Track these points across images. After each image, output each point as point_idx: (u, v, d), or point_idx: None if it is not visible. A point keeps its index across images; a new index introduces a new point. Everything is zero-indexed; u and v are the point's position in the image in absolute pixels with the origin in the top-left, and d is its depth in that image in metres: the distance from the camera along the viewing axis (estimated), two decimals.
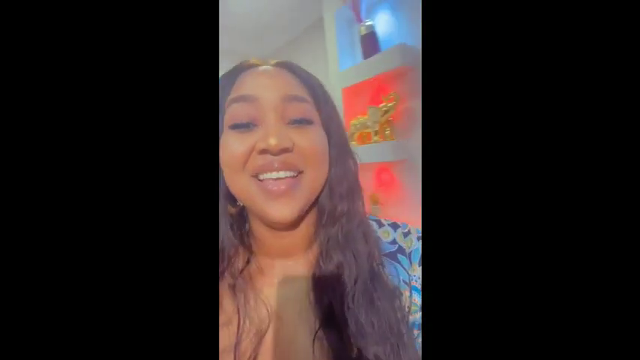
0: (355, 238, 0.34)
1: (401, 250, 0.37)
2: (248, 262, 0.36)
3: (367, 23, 1.21)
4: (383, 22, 1.27)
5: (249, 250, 0.36)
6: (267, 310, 0.34)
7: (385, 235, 0.38)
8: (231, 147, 0.31)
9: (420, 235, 0.38)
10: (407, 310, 0.33)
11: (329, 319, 0.32)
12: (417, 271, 0.35)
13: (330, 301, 0.32)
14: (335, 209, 0.35)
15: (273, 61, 0.36)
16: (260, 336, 0.33)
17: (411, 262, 0.36)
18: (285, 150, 0.31)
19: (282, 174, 0.31)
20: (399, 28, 1.26)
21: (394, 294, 0.33)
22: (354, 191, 0.36)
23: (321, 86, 0.36)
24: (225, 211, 0.34)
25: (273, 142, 0.30)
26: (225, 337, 0.32)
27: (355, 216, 0.35)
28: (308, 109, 0.33)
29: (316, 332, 0.31)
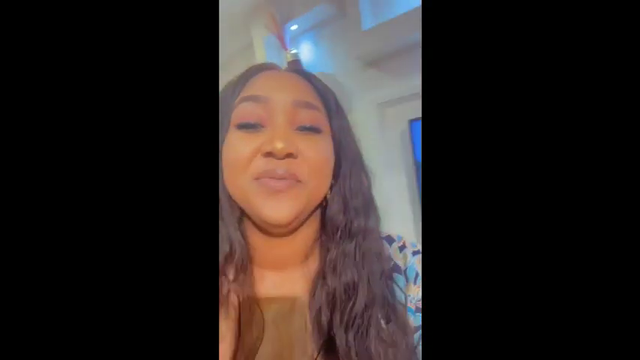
0: (371, 258, 0.32)
1: (397, 267, 0.34)
2: (240, 271, 0.32)
3: (292, 52, 1.39)
4: (307, 51, 1.48)
5: (242, 258, 0.32)
6: (260, 325, 0.31)
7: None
8: (236, 147, 0.30)
9: (415, 249, 0.36)
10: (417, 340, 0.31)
11: (329, 344, 0.30)
12: (412, 291, 0.33)
13: (332, 323, 0.30)
14: (351, 224, 0.33)
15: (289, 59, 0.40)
16: (253, 354, 0.30)
17: (407, 281, 0.34)
18: (290, 155, 0.29)
19: (283, 180, 0.30)
20: (320, 57, 1.48)
21: (406, 323, 0.31)
22: (369, 206, 0.34)
23: (334, 97, 0.35)
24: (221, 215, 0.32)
25: (279, 145, 0.29)
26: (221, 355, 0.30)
27: (372, 233, 0.33)
28: (318, 118, 0.32)
29: (315, 358, 0.30)
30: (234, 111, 0.31)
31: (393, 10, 1.30)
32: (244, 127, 0.31)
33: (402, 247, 0.36)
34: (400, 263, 0.35)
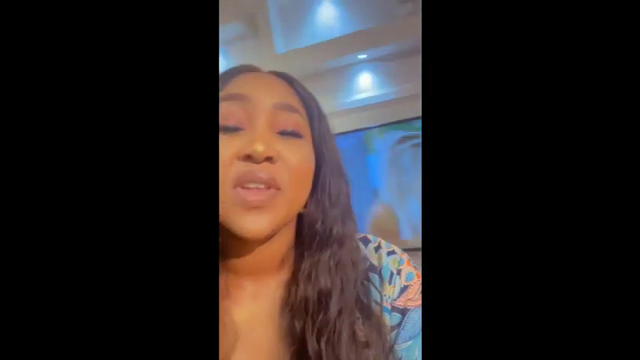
0: (345, 265, 0.32)
1: (372, 267, 0.35)
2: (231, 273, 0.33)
3: None
4: None
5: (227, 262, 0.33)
6: (235, 332, 0.31)
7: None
8: (220, 151, 0.29)
9: (390, 249, 0.36)
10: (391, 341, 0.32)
11: (302, 351, 0.30)
12: (387, 291, 0.33)
13: (304, 330, 0.30)
14: (330, 232, 0.33)
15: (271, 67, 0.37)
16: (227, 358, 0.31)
17: (382, 280, 0.34)
18: (270, 159, 0.29)
19: (262, 186, 0.29)
20: None
21: (381, 327, 0.31)
22: (346, 214, 0.34)
23: (316, 102, 0.35)
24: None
25: (259, 148, 0.28)
26: None
27: (349, 241, 0.33)
28: (300, 122, 0.32)
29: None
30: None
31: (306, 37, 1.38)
32: (223, 128, 0.29)
33: (378, 248, 0.36)
34: (375, 263, 0.35)
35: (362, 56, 1.52)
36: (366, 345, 0.30)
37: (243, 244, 0.31)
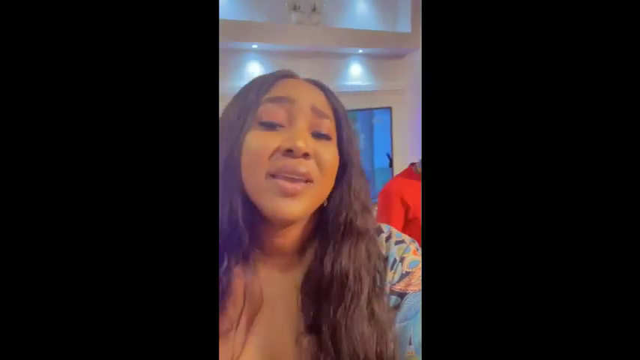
0: (363, 253, 0.36)
1: (381, 255, 0.39)
2: (247, 254, 0.36)
3: None
4: None
5: (247, 244, 0.35)
6: (261, 296, 0.36)
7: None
8: (258, 143, 0.33)
9: (399, 239, 0.40)
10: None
11: (313, 323, 0.34)
12: (389, 276, 0.37)
13: (319, 304, 0.34)
14: (350, 223, 0.37)
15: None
16: (251, 321, 0.35)
17: (385, 267, 0.38)
18: (307, 155, 0.33)
19: (299, 178, 0.33)
20: None
21: (385, 305, 0.35)
22: (365, 208, 0.39)
23: (343, 109, 0.39)
24: (232, 207, 0.34)
25: (300, 144, 0.32)
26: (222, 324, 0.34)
27: (367, 232, 0.37)
28: (330, 127, 0.36)
29: (298, 336, 0.34)
30: (259, 109, 0.34)
31: None
32: (267, 125, 0.34)
33: (388, 238, 0.40)
34: (384, 252, 0.39)
35: (255, 46, 1.62)
36: (377, 323, 0.34)
37: (271, 227, 0.35)
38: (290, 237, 0.37)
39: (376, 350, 0.33)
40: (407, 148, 2.03)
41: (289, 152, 0.32)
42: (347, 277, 0.34)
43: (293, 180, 0.32)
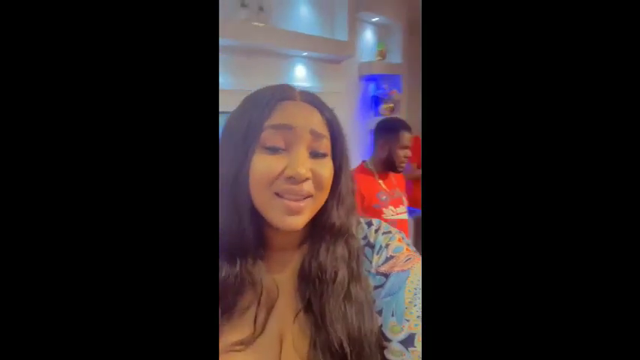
0: (344, 248, 0.42)
1: (369, 244, 0.45)
2: (255, 255, 0.42)
3: None
4: None
5: (258, 243, 0.42)
6: (277, 287, 0.42)
7: (360, 231, 0.46)
8: (264, 167, 0.37)
9: (386, 230, 0.46)
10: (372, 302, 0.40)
11: (308, 304, 0.40)
12: (375, 260, 0.43)
13: (310, 292, 0.40)
14: (339, 226, 0.42)
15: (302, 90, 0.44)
16: (271, 305, 0.41)
17: (373, 253, 0.44)
18: (307, 179, 0.38)
19: (300, 197, 0.38)
20: None
21: (369, 286, 0.41)
22: (351, 211, 0.44)
23: (338, 123, 0.44)
24: (242, 217, 0.39)
25: (301, 171, 0.37)
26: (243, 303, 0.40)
27: (348, 231, 0.43)
28: (327, 145, 0.41)
29: (297, 314, 0.40)
30: (263, 135, 0.38)
31: None
32: (270, 149, 0.38)
33: (377, 230, 0.46)
34: (372, 240, 0.45)
35: None
36: (356, 301, 0.39)
37: (275, 232, 0.41)
38: (290, 238, 0.44)
39: (357, 326, 0.38)
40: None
41: (292, 178, 0.37)
42: (325, 272, 0.40)
43: (296, 199, 0.38)
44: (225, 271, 0.39)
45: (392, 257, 0.43)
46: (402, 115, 2.43)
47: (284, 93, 0.41)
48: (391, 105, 2.45)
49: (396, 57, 2.48)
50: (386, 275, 0.41)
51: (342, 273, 0.40)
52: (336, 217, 0.42)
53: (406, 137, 1.39)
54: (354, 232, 0.45)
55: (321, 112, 0.42)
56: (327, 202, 0.42)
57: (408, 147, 1.40)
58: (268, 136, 0.38)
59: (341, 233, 0.43)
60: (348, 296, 0.39)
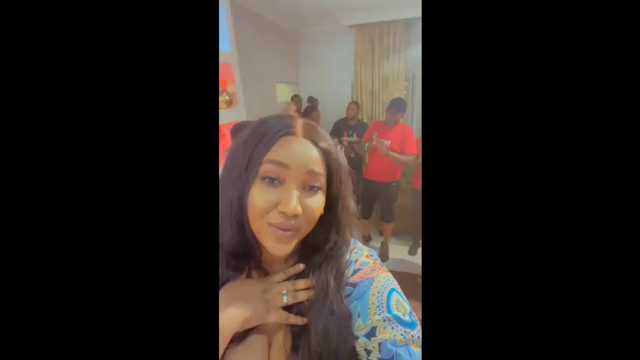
0: (332, 269, 0.46)
1: (346, 260, 0.48)
2: (257, 264, 0.48)
3: None
4: None
5: (256, 258, 0.47)
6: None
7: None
8: (260, 198, 0.40)
9: (359, 250, 0.50)
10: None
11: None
12: (346, 273, 0.47)
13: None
14: (328, 250, 0.47)
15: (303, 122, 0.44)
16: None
17: (348, 267, 0.48)
18: (298, 215, 0.40)
19: (288, 231, 0.41)
20: None
21: (342, 297, 0.44)
22: (343, 239, 0.48)
23: (334, 154, 0.45)
24: (238, 236, 0.43)
25: (292, 208, 0.39)
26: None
27: (336, 253, 0.47)
28: (321, 180, 0.42)
29: (286, 325, 0.45)
30: (262, 167, 0.40)
31: None
32: (268, 179, 0.40)
33: (352, 250, 0.50)
34: (347, 258, 0.49)
35: None
36: (332, 305, 0.43)
37: (267, 252, 0.44)
38: (279, 257, 0.47)
39: (336, 337, 0.42)
40: None
41: (283, 213, 0.39)
42: (320, 285, 0.45)
43: (285, 230, 0.41)
44: (225, 276, 0.45)
45: (359, 270, 0.46)
46: (240, 107, 2.39)
47: (286, 128, 0.42)
48: (227, 98, 2.32)
49: (223, 44, 2.26)
50: (353, 285, 0.45)
51: (332, 290, 0.44)
52: (334, 240, 0.47)
53: None
54: (346, 252, 0.49)
55: (319, 148, 0.43)
56: (323, 225, 0.45)
57: None
58: (266, 169, 0.40)
59: (331, 254, 0.47)
60: (331, 310, 0.43)
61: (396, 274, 0.51)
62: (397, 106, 2.33)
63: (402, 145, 2.39)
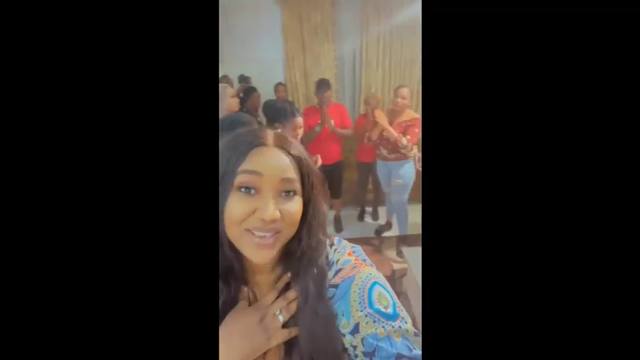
0: (312, 271, 0.48)
1: (328, 262, 0.50)
2: (240, 276, 0.49)
3: None
4: None
5: (242, 268, 0.49)
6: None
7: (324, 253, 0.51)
8: (237, 207, 0.41)
9: (342, 248, 0.52)
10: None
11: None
12: (329, 274, 0.49)
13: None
14: (308, 255, 0.48)
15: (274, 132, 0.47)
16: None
17: (330, 269, 0.49)
18: (276, 220, 0.41)
19: (268, 234, 0.42)
20: None
21: (325, 297, 0.46)
22: (319, 241, 0.50)
23: (306, 160, 0.46)
24: (228, 247, 0.45)
25: (269, 215, 0.40)
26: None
27: (315, 256, 0.49)
28: (296, 187, 0.44)
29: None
30: (237, 178, 0.42)
31: None
32: (244, 189, 0.42)
33: (336, 249, 0.52)
34: (330, 259, 0.51)
35: None
36: (315, 308, 0.45)
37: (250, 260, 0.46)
38: (265, 265, 0.50)
39: (323, 339, 0.44)
40: None
41: (261, 220, 0.41)
42: (300, 289, 0.47)
43: (264, 236, 0.42)
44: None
45: (340, 269, 0.48)
46: None
47: (258, 139, 0.44)
48: None
49: None
50: (335, 286, 0.47)
51: (311, 294, 0.46)
52: (307, 244, 0.48)
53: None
54: (322, 255, 0.50)
55: (291, 156, 0.45)
56: (298, 231, 0.47)
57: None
58: (241, 180, 0.42)
59: (310, 258, 0.48)
60: (315, 313, 0.45)
61: (353, 240, 0.57)
62: (323, 86, 2.44)
63: (342, 122, 2.51)
